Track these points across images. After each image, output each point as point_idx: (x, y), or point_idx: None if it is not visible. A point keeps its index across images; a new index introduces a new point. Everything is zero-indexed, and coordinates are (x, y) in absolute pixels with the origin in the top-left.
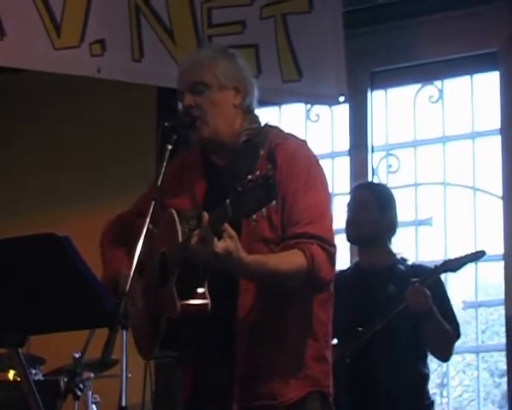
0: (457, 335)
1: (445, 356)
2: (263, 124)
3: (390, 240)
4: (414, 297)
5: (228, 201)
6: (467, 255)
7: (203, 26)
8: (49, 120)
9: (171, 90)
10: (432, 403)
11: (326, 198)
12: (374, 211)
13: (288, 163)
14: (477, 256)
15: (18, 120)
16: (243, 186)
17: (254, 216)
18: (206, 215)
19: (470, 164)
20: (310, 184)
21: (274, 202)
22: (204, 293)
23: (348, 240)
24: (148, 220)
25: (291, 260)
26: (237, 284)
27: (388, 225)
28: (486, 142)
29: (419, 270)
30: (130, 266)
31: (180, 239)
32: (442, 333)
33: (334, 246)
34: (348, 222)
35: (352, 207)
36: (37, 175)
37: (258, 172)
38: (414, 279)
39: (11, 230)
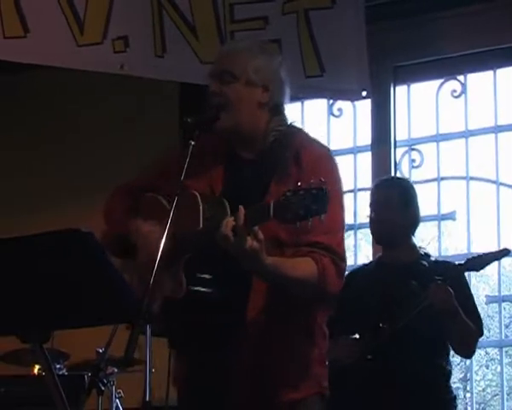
0: (481, 332)
1: (468, 354)
2: (289, 124)
3: (413, 234)
4: (437, 295)
5: (272, 202)
6: (490, 253)
7: (225, 22)
8: (67, 116)
9: (194, 86)
10: (454, 397)
11: (343, 216)
12: (397, 208)
13: (312, 167)
14: (501, 255)
15: (30, 117)
16: (293, 191)
17: (298, 224)
18: (242, 209)
19: (493, 158)
20: (332, 196)
21: (322, 216)
22: (208, 281)
23: (374, 238)
24: (171, 215)
25: (303, 267)
26: (250, 281)
27: (411, 220)
28: (509, 136)
29: (442, 266)
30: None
31: (201, 226)
32: (466, 331)
33: (344, 261)
34: (372, 221)
35: (375, 207)
36: (58, 169)
37: (312, 181)
38: (437, 278)
39: (25, 227)
